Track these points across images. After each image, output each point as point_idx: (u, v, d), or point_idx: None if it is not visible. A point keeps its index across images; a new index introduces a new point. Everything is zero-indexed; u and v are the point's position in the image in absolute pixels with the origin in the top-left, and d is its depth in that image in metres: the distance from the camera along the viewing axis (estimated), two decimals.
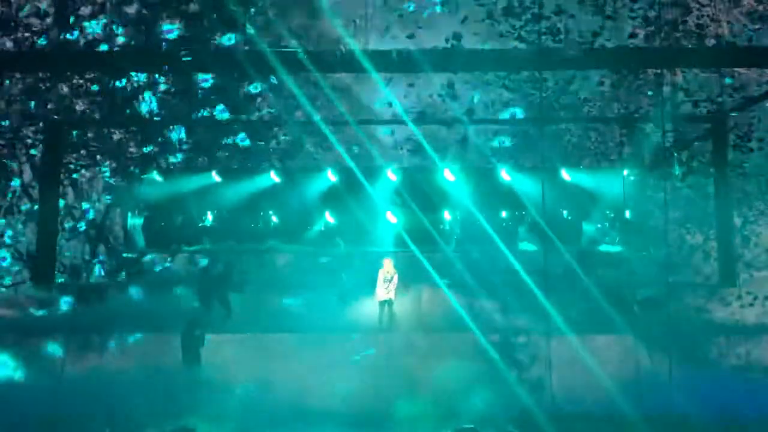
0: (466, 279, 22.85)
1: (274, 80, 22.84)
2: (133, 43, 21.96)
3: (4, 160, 22.76)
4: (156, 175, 25.23)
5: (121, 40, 21.97)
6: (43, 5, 22.23)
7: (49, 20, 22.07)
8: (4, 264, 22.99)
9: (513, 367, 17.19)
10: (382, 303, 20.36)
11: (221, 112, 23.14)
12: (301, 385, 16.18)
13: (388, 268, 20.89)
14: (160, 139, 23.80)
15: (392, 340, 18.07)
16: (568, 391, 15.66)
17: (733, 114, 22.56)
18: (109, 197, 24.12)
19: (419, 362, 17.18)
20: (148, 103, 23.15)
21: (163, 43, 21.68)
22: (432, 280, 22.16)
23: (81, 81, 22.41)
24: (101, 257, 23.59)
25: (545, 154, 23.75)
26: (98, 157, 23.54)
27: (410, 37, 22.50)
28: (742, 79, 22.52)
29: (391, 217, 25.37)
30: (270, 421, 14.65)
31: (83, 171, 23.50)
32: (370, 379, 16.53)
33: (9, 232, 23.16)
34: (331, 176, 25.36)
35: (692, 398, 15.15)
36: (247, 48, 21.86)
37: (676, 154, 23.46)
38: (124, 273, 23.21)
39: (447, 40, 22.19)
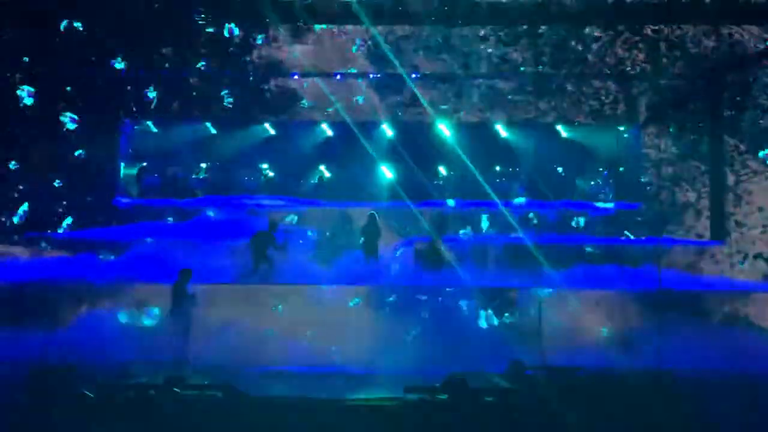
0: (458, 233, 22.99)
1: (270, 30, 22.61)
2: None
3: None
4: (150, 126, 25.18)
5: None
6: None
7: None
8: None
9: (503, 320, 17.32)
10: (368, 256, 20.43)
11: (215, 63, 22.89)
12: (287, 334, 16.32)
13: (374, 221, 20.91)
14: (154, 90, 23.56)
15: (381, 292, 18.14)
16: (558, 345, 15.81)
17: (729, 72, 22.46)
18: (103, 147, 23.86)
19: (409, 314, 17.30)
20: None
21: None
22: (425, 233, 22.29)
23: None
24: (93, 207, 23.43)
25: (540, 110, 23.67)
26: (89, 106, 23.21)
27: None
28: (739, 37, 22.34)
29: (386, 172, 25.38)
30: (258, 369, 14.79)
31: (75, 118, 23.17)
32: (358, 329, 16.67)
33: None
34: (327, 130, 25.30)
35: (681, 353, 15.33)
36: None
37: (671, 112, 23.39)
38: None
39: None
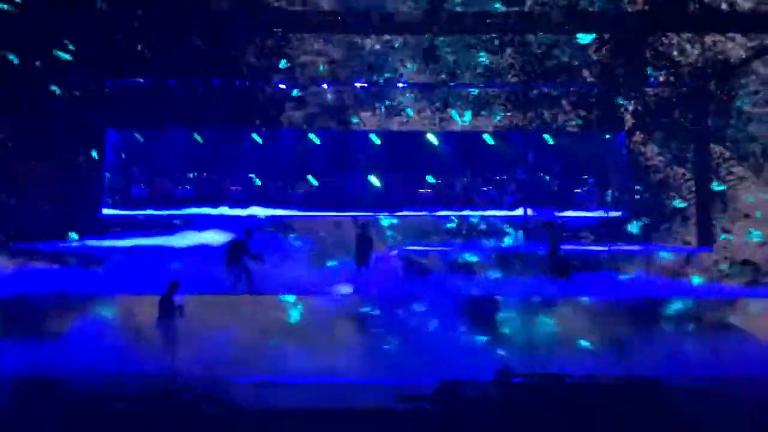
0: (446, 243, 22.99)
1: (255, 40, 22.56)
2: None
3: None
4: (137, 136, 25.13)
5: None
6: None
7: None
8: None
9: (490, 330, 17.29)
10: (359, 265, 20.37)
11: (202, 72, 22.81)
12: (278, 344, 16.26)
13: (365, 231, 20.88)
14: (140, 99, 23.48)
15: (372, 301, 18.08)
16: (546, 352, 15.84)
17: (714, 80, 22.61)
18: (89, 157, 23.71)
19: (399, 323, 17.26)
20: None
21: None
22: (412, 243, 22.32)
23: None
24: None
25: (527, 118, 23.73)
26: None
27: None
28: (724, 46, 22.52)
29: (374, 180, 25.42)
30: (248, 380, 14.72)
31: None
32: (349, 338, 16.66)
33: None
34: (314, 139, 25.28)
35: (670, 360, 15.38)
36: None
37: (656, 120, 23.52)
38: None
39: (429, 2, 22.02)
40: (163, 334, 16.25)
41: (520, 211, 23.84)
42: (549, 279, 19.63)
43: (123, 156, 25.42)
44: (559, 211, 23.99)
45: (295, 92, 23.66)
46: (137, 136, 25.16)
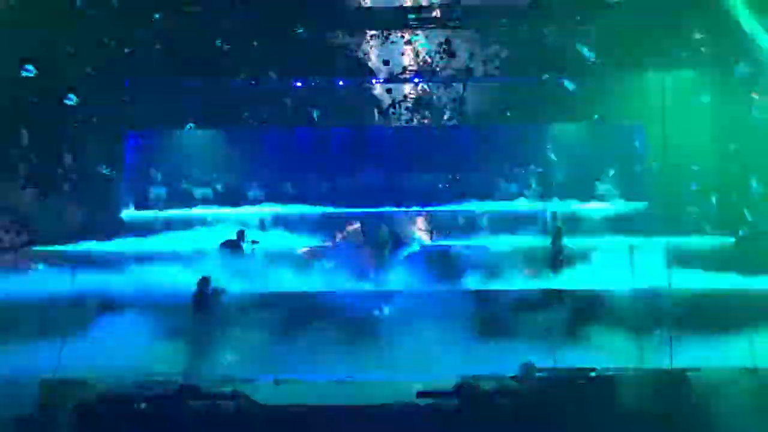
0: (465, 238, 22.91)
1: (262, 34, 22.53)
2: None
3: None
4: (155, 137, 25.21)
5: None
6: None
7: None
8: None
9: (512, 324, 17.19)
10: (378, 264, 20.29)
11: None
12: (298, 342, 16.26)
13: (382, 232, 20.83)
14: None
15: (387, 300, 18.03)
16: (570, 346, 15.72)
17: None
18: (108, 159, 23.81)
19: (418, 319, 17.20)
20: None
21: None
22: (430, 238, 22.26)
23: None
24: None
25: (544, 110, 23.60)
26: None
27: None
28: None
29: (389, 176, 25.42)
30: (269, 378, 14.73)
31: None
32: (369, 336, 16.63)
33: None
34: (327, 135, 25.30)
35: (694, 352, 15.19)
36: None
37: (677, 109, 23.27)
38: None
39: None
40: (200, 332, 16.21)
41: (540, 205, 23.71)
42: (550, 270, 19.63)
43: (142, 157, 25.50)
44: (580, 204, 23.88)
45: (303, 88, 23.55)
46: (155, 137, 25.22)
